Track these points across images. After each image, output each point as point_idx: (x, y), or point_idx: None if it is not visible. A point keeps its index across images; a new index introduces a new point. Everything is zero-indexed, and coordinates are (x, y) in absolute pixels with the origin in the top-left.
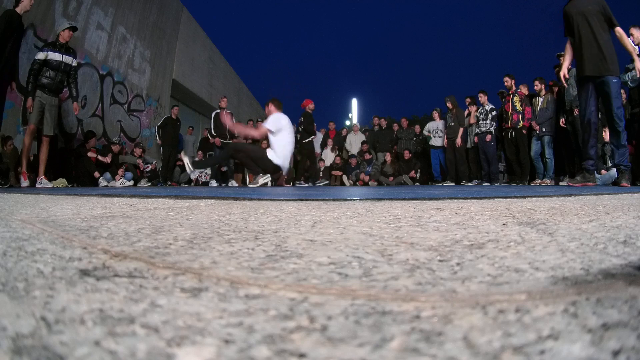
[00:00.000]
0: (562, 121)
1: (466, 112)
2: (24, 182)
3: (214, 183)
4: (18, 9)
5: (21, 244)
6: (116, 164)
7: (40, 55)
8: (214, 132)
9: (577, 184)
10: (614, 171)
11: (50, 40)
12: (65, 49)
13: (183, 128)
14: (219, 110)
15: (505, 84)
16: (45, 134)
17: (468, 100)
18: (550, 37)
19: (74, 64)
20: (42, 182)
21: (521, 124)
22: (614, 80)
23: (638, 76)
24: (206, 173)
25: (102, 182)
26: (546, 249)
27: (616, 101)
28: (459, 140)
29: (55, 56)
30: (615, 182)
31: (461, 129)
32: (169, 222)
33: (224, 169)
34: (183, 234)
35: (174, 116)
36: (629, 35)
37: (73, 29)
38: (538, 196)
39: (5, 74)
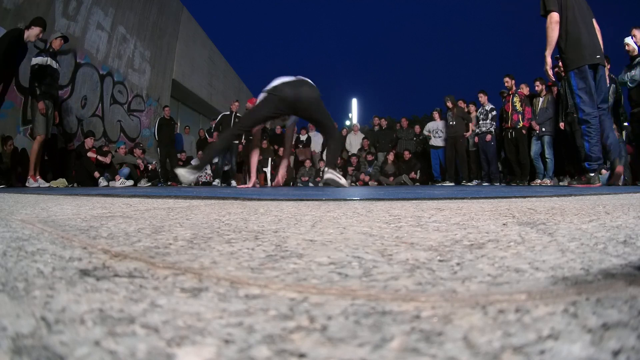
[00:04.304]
0: (561, 124)
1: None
2: (34, 183)
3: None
4: (25, 33)
5: (21, 244)
6: (113, 164)
7: (40, 60)
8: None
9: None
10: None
11: (45, 48)
12: (55, 56)
13: (182, 128)
14: (227, 112)
15: (506, 84)
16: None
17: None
18: None
19: (58, 69)
20: (39, 181)
21: (521, 124)
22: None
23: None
24: (207, 173)
25: (102, 182)
26: (546, 249)
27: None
28: (469, 133)
29: (52, 62)
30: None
31: (471, 124)
32: (169, 222)
33: (226, 168)
34: (183, 234)
35: (166, 116)
36: (630, 35)
37: (65, 39)
38: (538, 196)
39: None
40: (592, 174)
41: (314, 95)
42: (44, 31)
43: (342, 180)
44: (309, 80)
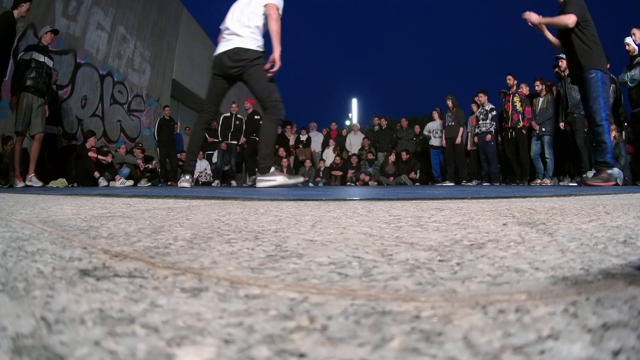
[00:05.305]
0: (562, 125)
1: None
2: (19, 184)
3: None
4: (15, 12)
5: (21, 244)
6: (113, 164)
7: (25, 56)
8: (220, 136)
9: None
10: (616, 170)
11: (34, 43)
12: (46, 51)
13: (182, 128)
14: (227, 114)
15: (508, 81)
16: (33, 133)
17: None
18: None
19: (52, 66)
20: (32, 180)
21: (521, 124)
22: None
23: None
24: (207, 173)
25: (102, 182)
26: (546, 249)
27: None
28: (459, 140)
29: (38, 57)
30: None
31: (461, 129)
32: (169, 222)
33: (226, 168)
34: (183, 234)
35: (166, 116)
36: (630, 35)
37: (55, 32)
38: (538, 196)
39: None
40: (611, 171)
41: (244, 58)
42: (32, 4)
43: (280, 179)
44: (240, 43)
